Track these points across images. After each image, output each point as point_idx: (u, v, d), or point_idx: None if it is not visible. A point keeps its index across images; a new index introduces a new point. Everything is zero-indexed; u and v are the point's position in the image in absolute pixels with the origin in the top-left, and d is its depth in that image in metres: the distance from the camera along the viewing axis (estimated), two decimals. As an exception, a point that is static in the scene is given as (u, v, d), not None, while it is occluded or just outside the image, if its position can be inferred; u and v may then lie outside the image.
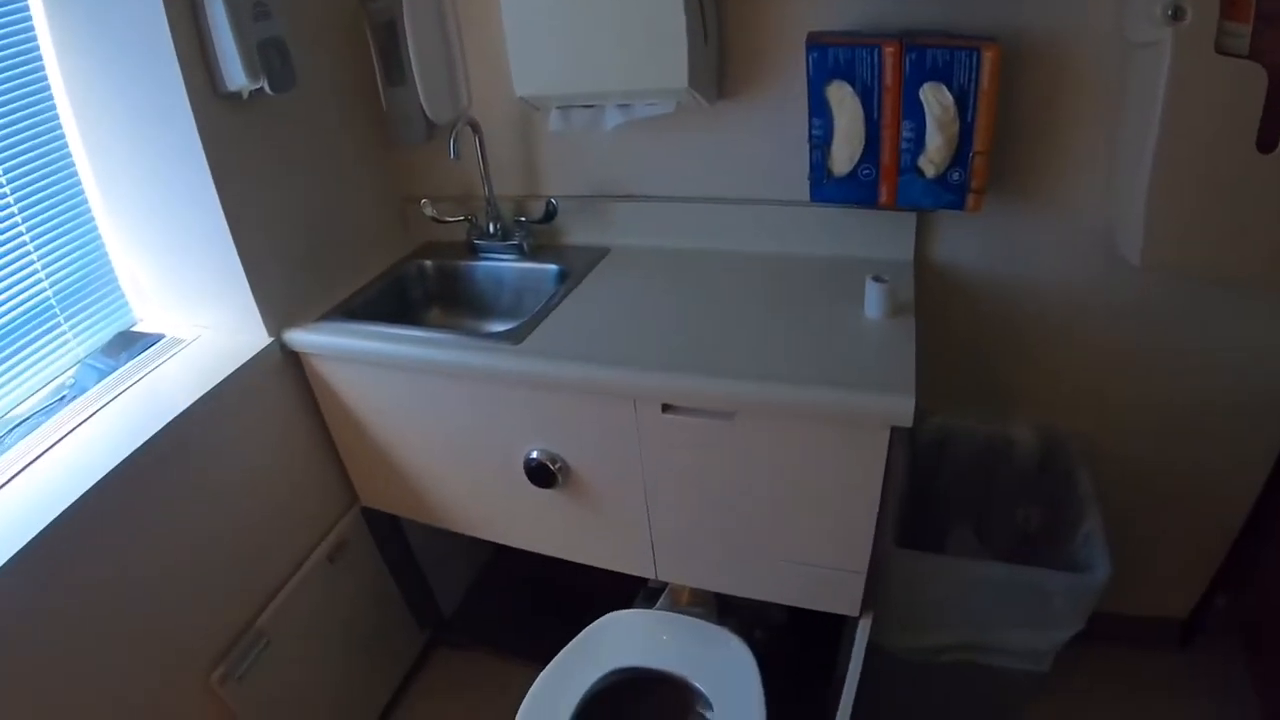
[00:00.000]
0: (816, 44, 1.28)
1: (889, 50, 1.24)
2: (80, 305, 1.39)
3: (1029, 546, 1.62)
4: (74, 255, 1.37)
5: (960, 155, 1.29)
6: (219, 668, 1.38)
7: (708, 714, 1.35)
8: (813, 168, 1.38)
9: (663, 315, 1.38)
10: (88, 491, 1.11)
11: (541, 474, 1.38)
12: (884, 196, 1.37)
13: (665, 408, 1.23)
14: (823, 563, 1.33)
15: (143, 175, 1.34)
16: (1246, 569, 1.64)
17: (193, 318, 1.48)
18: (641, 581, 1.64)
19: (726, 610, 1.60)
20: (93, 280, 1.41)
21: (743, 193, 1.55)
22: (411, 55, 1.46)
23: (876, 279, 1.29)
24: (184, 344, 1.44)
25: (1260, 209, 1.15)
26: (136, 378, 1.35)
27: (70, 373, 1.37)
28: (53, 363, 1.35)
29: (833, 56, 1.27)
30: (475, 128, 1.57)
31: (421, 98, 1.51)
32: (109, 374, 1.35)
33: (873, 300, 1.29)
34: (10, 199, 1.25)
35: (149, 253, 1.43)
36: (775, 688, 1.36)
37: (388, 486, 1.63)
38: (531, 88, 1.46)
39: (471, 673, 1.99)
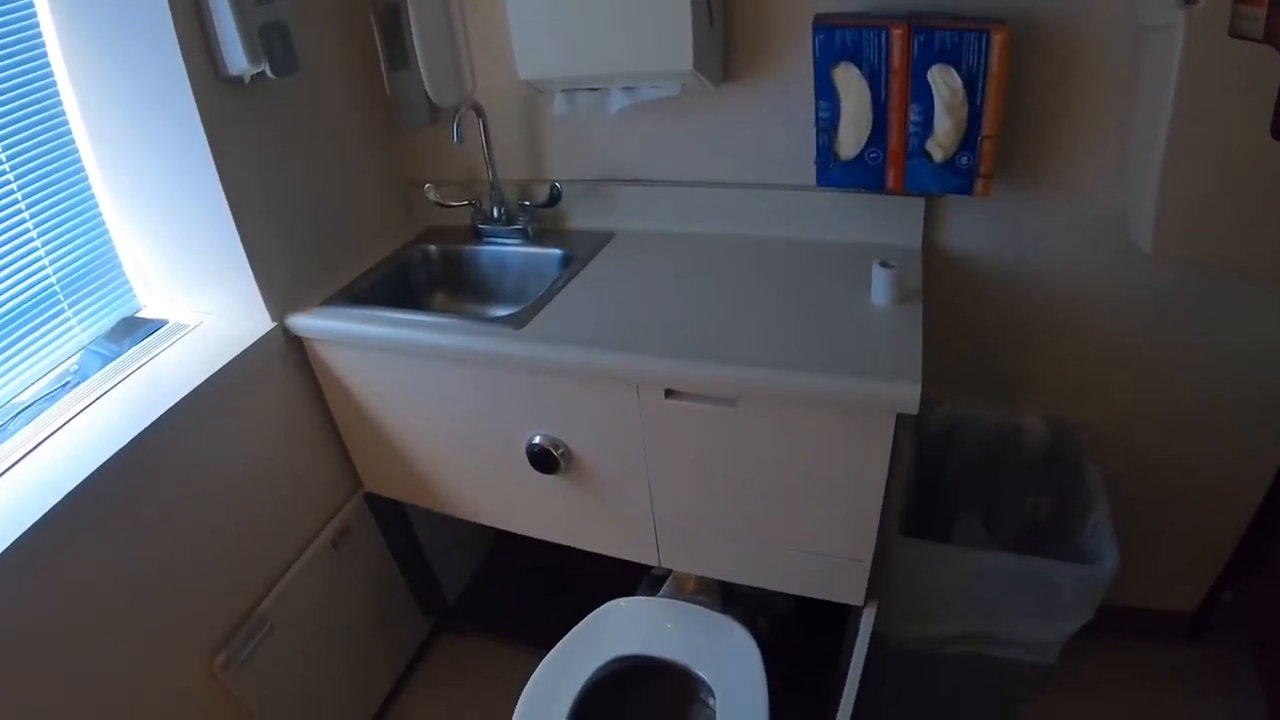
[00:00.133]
0: (823, 25, 1.26)
1: (897, 32, 1.22)
2: (84, 291, 1.39)
3: (1037, 537, 1.61)
4: (77, 241, 1.37)
5: (969, 139, 1.27)
6: (221, 653, 1.37)
7: (710, 702, 1.35)
8: (819, 151, 1.36)
9: (666, 300, 1.37)
10: (88, 478, 1.10)
11: (544, 460, 1.37)
12: (891, 181, 1.35)
13: (668, 393, 1.22)
14: (827, 551, 1.32)
15: (145, 160, 1.33)
16: (1254, 563, 1.63)
17: (196, 303, 1.48)
18: (645, 569, 1.63)
19: (730, 598, 1.60)
20: (96, 266, 1.41)
21: (748, 177, 1.54)
22: (415, 38, 1.46)
23: (883, 264, 1.27)
24: (187, 330, 1.44)
25: (1273, 198, 1.12)
26: (139, 364, 1.35)
27: (74, 359, 1.37)
28: (57, 349, 1.35)
29: (839, 38, 1.25)
30: (479, 111, 1.56)
31: (425, 81, 1.50)
32: (112, 360, 1.35)
33: (879, 286, 1.28)
34: (14, 185, 1.24)
35: (152, 238, 1.43)
36: (779, 677, 1.35)
37: (391, 472, 1.63)
38: (535, 70, 1.44)
39: (475, 659, 1.99)
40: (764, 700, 1.30)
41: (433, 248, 1.71)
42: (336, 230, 1.58)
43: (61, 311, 1.35)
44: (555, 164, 1.66)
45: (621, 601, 1.49)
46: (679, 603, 1.50)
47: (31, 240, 1.28)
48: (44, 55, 1.27)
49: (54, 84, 1.30)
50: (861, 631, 1.34)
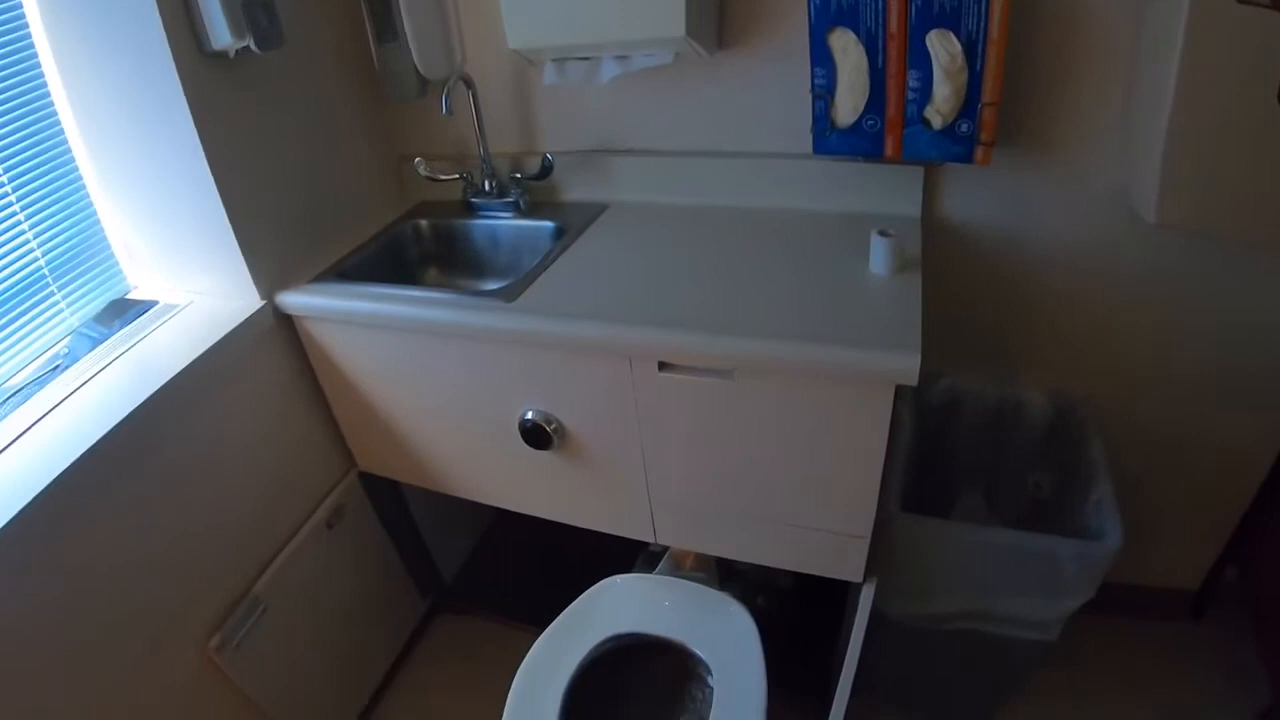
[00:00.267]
0: (819, -11, 1.23)
1: (894, -5, 1.19)
2: (73, 274, 1.38)
3: (1039, 513, 1.60)
4: (66, 224, 1.35)
5: (969, 106, 1.24)
6: (216, 636, 1.36)
7: (708, 680, 1.33)
8: (816, 119, 1.34)
9: (660, 272, 1.35)
10: (76, 461, 1.09)
11: (537, 435, 1.35)
12: (890, 149, 1.33)
13: (662, 366, 1.20)
14: (825, 527, 1.30)
15: (131, 139, 1.31)
16: (1257, 540, 1.61)
17: (186, 283, 1.46)
18: (642, 545, 1.62)
19: (728, 575, 1.59)
20: (85, 248, 1.40)
21: (744, 146, 1.51)
22: (403, 11, 1.43)
23: (882, 234, 1.25)
24: (176, 310, 1.42)
25: (1280, 166, 1.10)
26: (128, 346, 1.33)
27: (64, 342, 1.36)
28: (46, 333, 1.34)
29: (835, 2, 1.22)
30: (469, 84, 1.53)
31: (414, 54, 1.48)
32: (102, 343, 1.34)
33: (878, 256, 1.25)
34: None
35: (141, 218, 1.41)
36: (777, 654, 1.34)
37: (385, 451, 1.61)
38: (524, 39, 1.42)
39: (474, 638, 1.99)
40: (762, 678, 1.29)
41: (424, 222, 1.69)
42: (326, 207, 1.56)
43: (51, 295, 1.34)
44: (547, 136, 1.64)
45: (618, 579, 1.48)
46: (676, 580, 1.49)
47: (19, 224, 1.27)
48: (28, 35, 1.25)
49: (38, 65, 1.28)
50: (860, 608, 1.33)
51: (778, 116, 1.44)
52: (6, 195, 1.24)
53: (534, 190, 1.65)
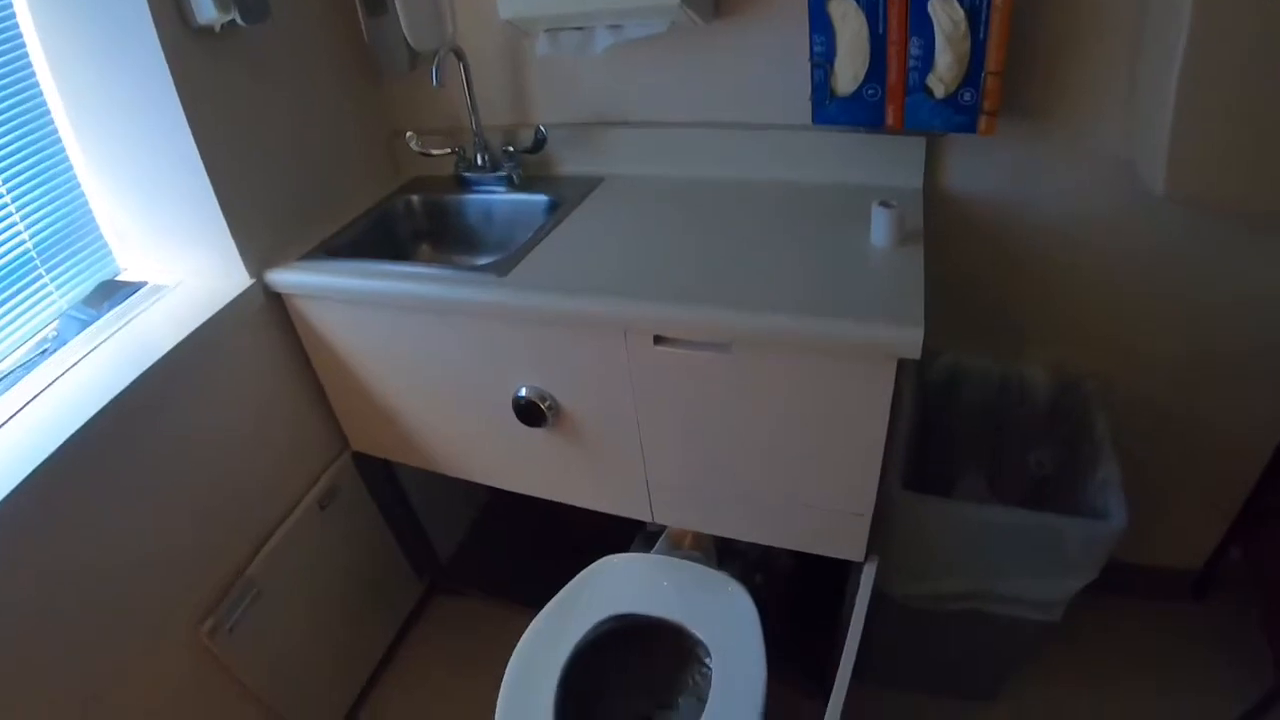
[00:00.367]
0: (817, -47, 1.20)
1: (894, -42, 1.16)
2: (62, 257, 1.36)
3: (1041, 491, 1.58)
4: (53, 206, 1.33)
5: (972, 74, 1.21)
6: (208, 620, 1.35)
7: (707, 661, 1.32)
8: (815, 88, 1.31)
9: (656, 245, 1.32)
10: (65, 443, 1.08)
11: (531, 413, 1.33)
12: (891, 118, 1.30)
13: (658, 340, 1.18)
14: (825, 505, 1.28)
15: (117, 118, 1.29)
16: (1261, 519, 1.60)
17: (175, 264, 1.44)
18: (640, 525, 1.60)
19: (727, 555, 1.57)
20: (73, 231, 1.38)
21: (741, 117, 1.48)
22: (392, -18, 1.40)
23: (883, 204, 1.22)
24: (165, 291, 1.40)
25: (1292, 136, 1.07)
26: (116, 328, 1.31)
27: (53, 326, 1.34)
28: (35, 316, 1.32)
29: (834, -34, 1.20)
30: (460, 56, 1.50)
31: (403, 26, 1.46)
32: (90, 325, 1.33)
33: (879, 227, 1.23)
34: (-16, 152, 1.21)
35: (129, 199, 1.39)
36: (777, 635, 1.32)
37: (378, 430, 1.60)
38: (516, 9, 1.39)
39: (472, 620, 1.98)
40: (761, 659, 1.28)
41: (415, 198, 1.67)
42: (316, 184, 1.54)
43: (39, 278, 1.32)
44: (540, 108, 1.61)
45: (614, 558, 1.47)
46: (673, 559, 1.47)
47: (6, 206, 1.25)
48: (13, 15, 1.23)
49: (23, 46, 1.25)
50: (862, 588, 1.32)
51: (776, 86, 1.41)
52: (-7, 179, 1.23)
53: (527, 164, 1.62)
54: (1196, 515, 1.69)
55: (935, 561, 1.38)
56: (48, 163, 1.31)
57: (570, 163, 1.63)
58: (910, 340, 1.03)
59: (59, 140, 1.33)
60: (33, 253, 1.30)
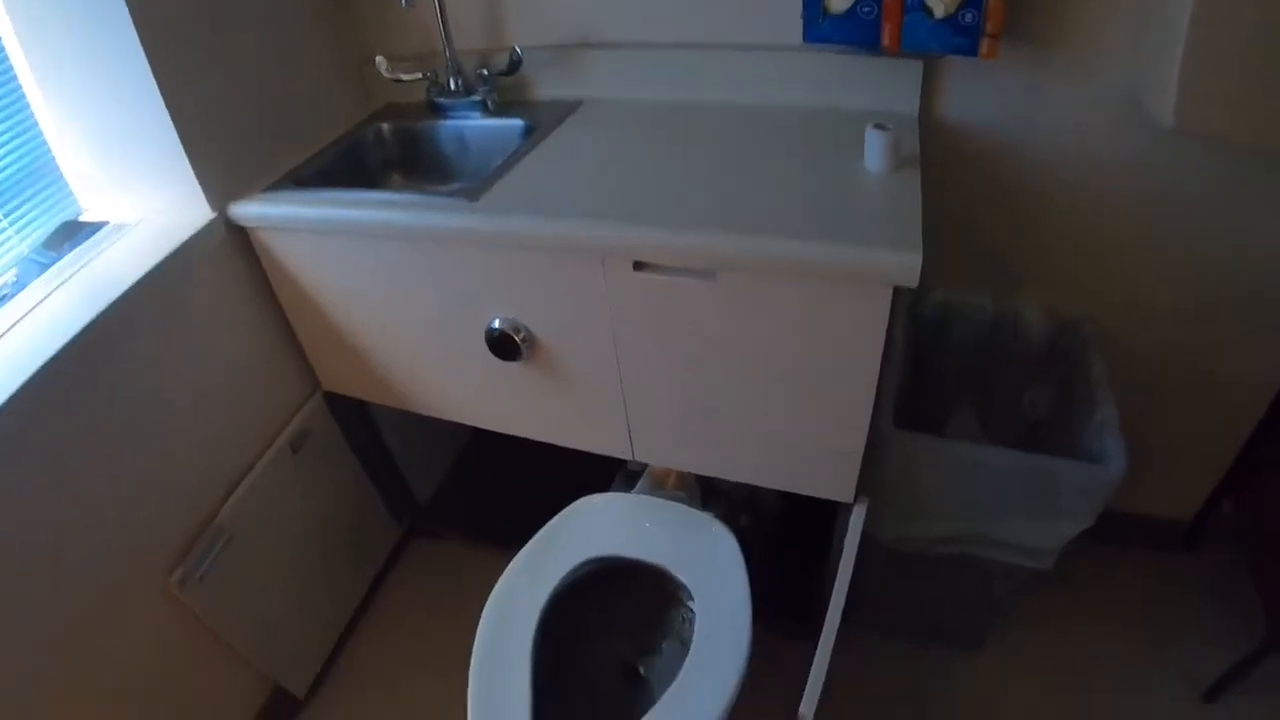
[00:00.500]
0: None
1: None
2: (20, 199, 1.30)
3: (1034, 434, 1.56)
4: (9, 146, 1.27)
5: (974, -8, 1.14)
6: (178, 570, 1.32)
7: (689, 605, 1.29)
8: (807, 4, 1.23)
9: (636, 169, 1.26)
10: (22, 387, 1.03)
11: (504, 345, 1.28)
12: (887, 38, 1.22)
13: (637, 266, 1.12)
14: (814, 443, 1.24)
15: (73, 51, 1.21)
16: (1255, 470, 1.58)
17: (138, 202, 1.38)
18: (620, 463, 1.56)
19: (711, 494, 1.54)
20: (32, 171, 1.32)
21: (727, 36, 1.41)
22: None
23: (878, 127, 1.15)
24: (126, 229, 1.35)
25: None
26: (75, 269, 1.26)
27: (12, 272, 1.28)
28: (-6, 261, 1.27)
29: None
30: (432, -28, 1.42)
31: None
32: (50, 267, 1.28)
33: (874, 150, 1.16)
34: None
35: (89, 136, 1.32)
36: (762, 578, 1.30)
37: (349, 369, 1.55)
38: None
39: (451, 562, 1.97)
40: (746, 602, 1.25)
41: (386, 126, 1.60)
42: (281, 112, 1.46)
43: (-5, 222, 1.27)
44: (515, 29, 1.53)
45: (594, 498, 1.44)
46: (655, 499, 1.44)
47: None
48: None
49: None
50: (851, 530, 1.28)
51: (765, 2, 1.34)
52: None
53: (503, 89, 1.55)
54: (1188, 466, 1.67)
55: (926, 504, 1.35)
56: (3, 102, 1.25)
57: (548, 86, 1.56)
58: (908, 266, 0.97)
59: (15, 79, 1.26)
60: (-12, 195, 1.24)
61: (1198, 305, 1.43)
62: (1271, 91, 1.04)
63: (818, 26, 1.25)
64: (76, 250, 1.30)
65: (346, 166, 1.52)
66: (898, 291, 1.02)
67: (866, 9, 1.21)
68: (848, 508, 1.31)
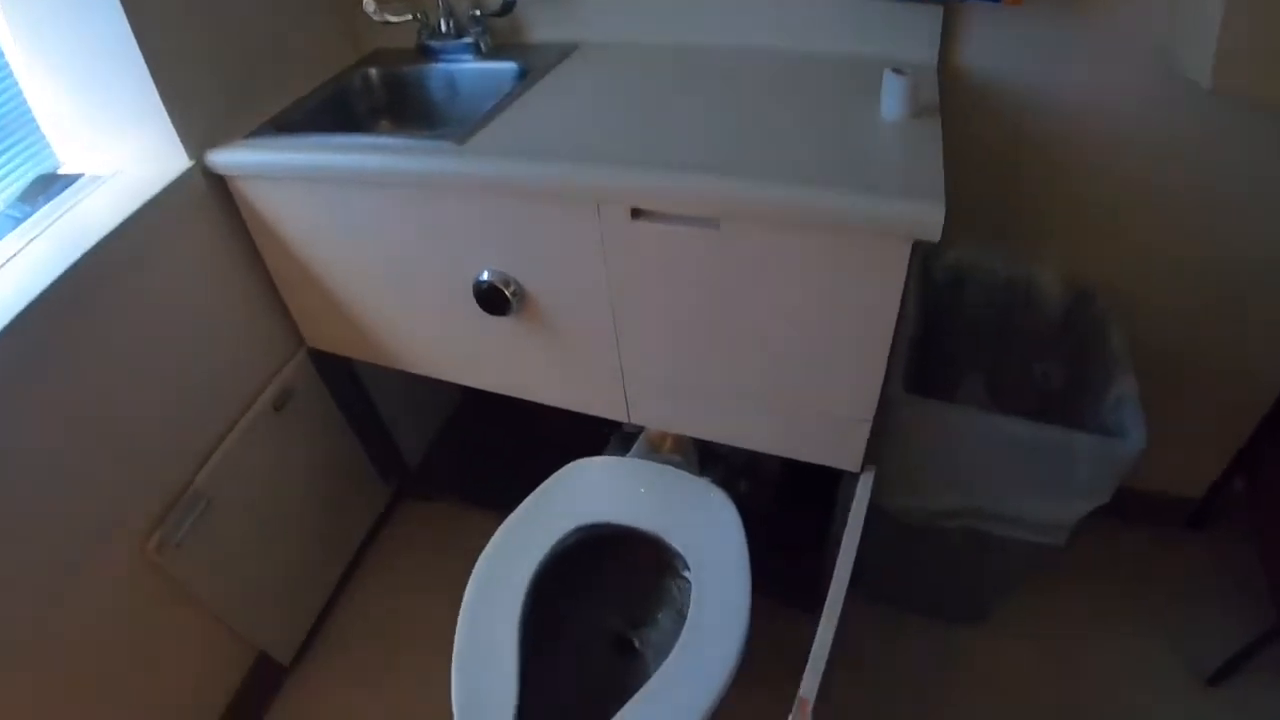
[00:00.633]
0: None
1: None
2: None
3: (1046, 406, 1.51)
4: None
5: (999, -73, 1.07)
6: (155, 535, 1.28)
7: (686, 575, 1.25)
8: (820, -59, 1.16)
9: (635, 112, 1.20)
10: None
11: (493, 299, 1.22)
12: (905, -22, 1.16)
13: (635, 213, 1.06)
14: (821, 408, 1.19)
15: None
16: (1266, 447, 1.54)
17: (115, 152, 1.32)
18: (615, 426, 1.53)
19: (709, 459, 1.51)
20: (7, 124, 1.27)
21: (737, -27, 1.35)
22: None
23: (896, 71, 1.09)
24: (102, 181, 1.30)
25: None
26: (49, 222, 1.21)
27: None
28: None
29: None
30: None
31: None
32: (24, 221, 1.24)
33: (892, 96, 1.09)
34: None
35: (65, 87, 1.27)
36: (762, 547, 1.26)
37: (334, 326, 1.49)
38: None
39: (441, 525, 1.95)
40: (745, 573, 1.22)
41: (374, 71, 1.53)
42: (264, 57, 1.40)
43: (-32, 177, 1.22)
44: (511, -34, 1.47)
45: (587, 462, 1.40)
46: (651, 464, 1.40)
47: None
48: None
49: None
50: (858, 501, 1.23)
51: (777, -64, 1.28)
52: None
53: (496, 31, 1.49)
54: (1201, 443, 1.63)
55: (935, 475, 1.31)
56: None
57: (543, 27, 1.50)
58: (931, 219, 0.91)
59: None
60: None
61: (1222, 275, 1.38)
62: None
63: (832, -36, 1.18)
64: (51, 203, 1.26)
65: (331, 113, 1.46)
66: (916, 246, 0.95)
67: (883, -53, 1.14)
68: (854, 476, 1.27)
